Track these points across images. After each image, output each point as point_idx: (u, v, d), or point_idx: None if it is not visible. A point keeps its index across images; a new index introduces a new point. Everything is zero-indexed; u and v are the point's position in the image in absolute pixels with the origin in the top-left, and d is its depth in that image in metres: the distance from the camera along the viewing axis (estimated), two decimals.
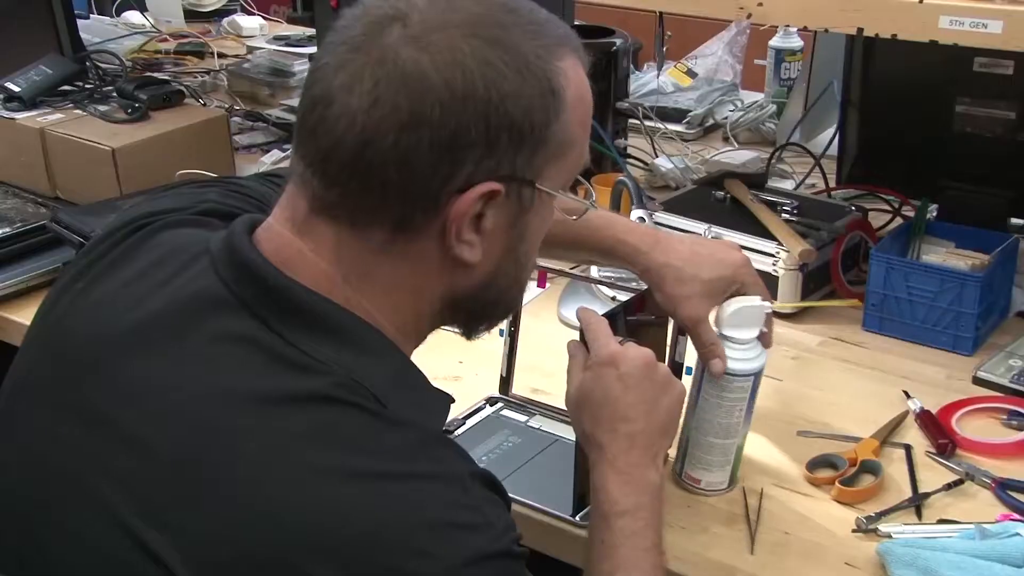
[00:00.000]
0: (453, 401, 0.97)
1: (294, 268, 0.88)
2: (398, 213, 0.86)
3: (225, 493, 0.80)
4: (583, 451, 1.15)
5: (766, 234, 1.66)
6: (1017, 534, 1.14)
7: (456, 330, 1.02)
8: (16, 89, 2.11)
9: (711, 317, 1.22)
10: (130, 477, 0.84)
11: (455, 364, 1.55)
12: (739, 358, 1.22)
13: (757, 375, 1.23)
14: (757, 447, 1.37)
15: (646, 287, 1.27)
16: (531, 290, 1.54)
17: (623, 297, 1.47)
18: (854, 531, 1.21)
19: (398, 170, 0.83)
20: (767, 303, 1.22)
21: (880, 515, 1.22)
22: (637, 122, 2.21)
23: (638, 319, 1.24)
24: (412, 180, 0.84)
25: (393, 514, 0.80)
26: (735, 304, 1.21)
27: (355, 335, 0.88)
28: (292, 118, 2.39)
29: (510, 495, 1.25)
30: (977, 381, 1.49)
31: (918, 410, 1.41)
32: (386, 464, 0.82)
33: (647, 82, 2.57)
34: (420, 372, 0.94)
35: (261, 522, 0.79)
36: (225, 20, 3.07)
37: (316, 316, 0.87)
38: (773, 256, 1.64)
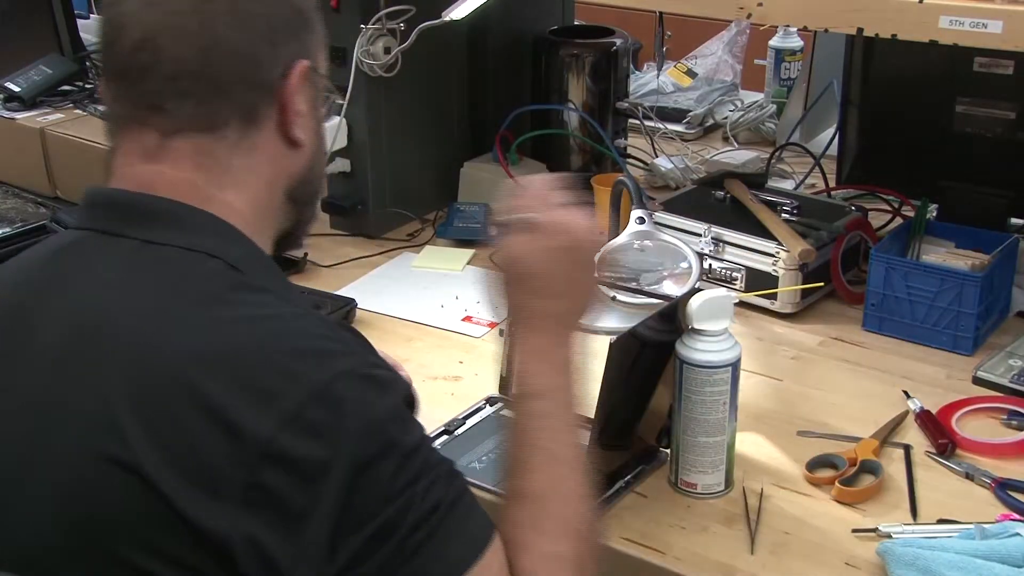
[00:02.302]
0: (316, 307, 1.00)
1: (152, 186, 0.96)
2: (245, 104, 0.97)
3: (115, 350, 0.88)
4: (591, 450, 1.16)
5: (766, 234, 1.66)
6: (1017, 534, 1.14)
7: (278, 245, 1.08)
8: (16, 89, 2.11)
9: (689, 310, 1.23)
10: (55, 394, 0.89)
11: (455, 364, 1.56)
12: (714, 350, 1.22)
13: (735, 366, 1.24)
14: (757, 447, 1.37)
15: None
16: None
17: (623, 297, 1.47)
18: (854, 531, 1.21)
19: (240, 61, 0.95)
20: (732, 293, 1.23)
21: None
22: (637, 122, 2.21)
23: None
24: (251, 68, 0.96)
25: (273, 343, 0.88)
26: (701, 297, 1.22)
27: (215, 228, 0.96)
28: None
29: None
30: (977, 381, 1.49)
31: (918, 410, 1.41)
32: (252, 309, 0.91)
33: (647, 82, 2.58)
34: (276, 264, 1.02)
35: (146, 359, 0.87)
36: None
37: (174, 216, 0.95)
38: (773, 256, 1.64)
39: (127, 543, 0.85)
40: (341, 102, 1.16)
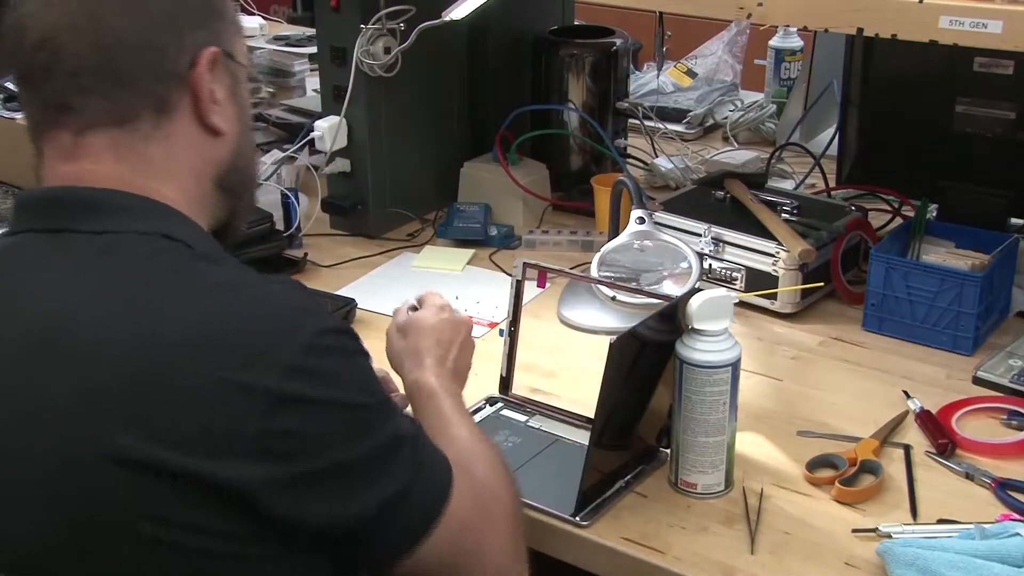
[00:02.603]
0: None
1: (81, 182, 0.98)
2: (156, 94, 0.99)
3: (90, 344, 0.89)
4: (591, 450, 1.20)
5: (766, 234, 1.66)
6: (1017, 534, 1.14)
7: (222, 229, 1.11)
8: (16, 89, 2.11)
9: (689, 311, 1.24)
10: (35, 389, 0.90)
11: None
12: (713, 350, 1.22)
13: (734, 366, 1.24)
14: (757, 447, 1.37)
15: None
16: (531, 290, 1.54)
17: (623, 297, 1.47)
18: (854, 531, 1.21)
19: (140, 52, 0.97)
20: (732, 293, 1.24)
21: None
22: (637, 122, 2.21)
23: None
24: (154, 58, 0.98)
25: (252, 308, 0.93)
26: (701, 297, 1.22)
27: (152, 209, 0.99)
28: (293, 118, 2.39)
29: None
30: (977, 381, 1.49)
31: (918, 410, 1.41)
32: (226, 278, 0.95)
33: (647, 82, 2.58)
34: (217, 244, 1.06)
35: (140, 348, 0.88)
36: None
37: (112, 204, 0.97)
38: (773, 256, 1.64)
39: (134, 523, 0.87)
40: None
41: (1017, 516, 1.22)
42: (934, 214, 1.76)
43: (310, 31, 2.85)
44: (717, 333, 1.22)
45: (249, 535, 0.89)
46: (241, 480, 0.87)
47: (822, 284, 1.65)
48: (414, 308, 1.32)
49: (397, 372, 1.27)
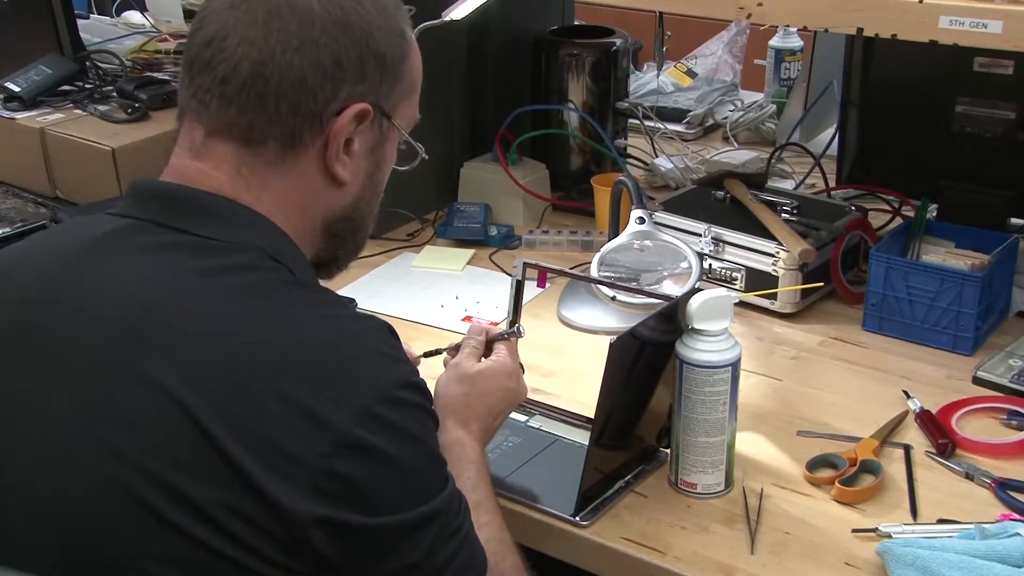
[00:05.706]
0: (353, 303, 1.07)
1: (197, 183, 1.00)
2: (288, 128, 0.99)
3: (197, 338, 0.90)
4: (591, 450, 1.21)
5: (766, 234, 1.66)
6: (1017, 534, 1.14)
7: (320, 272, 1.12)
8: (16, 89, 2.11)
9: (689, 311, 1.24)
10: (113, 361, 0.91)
11: None
12: (713, 350, 1.23)
13: (734, 366, 1.24)
14: (757, 447, 1.37)
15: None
16: (531, 290, 1.54)
17: (623, 297, 1.47)
18: (854, 531, 1.21)
19: (291, 85, 0.98)
20: (732, 293, 1.24)
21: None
22: (637, 122, 2.21)
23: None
24: (301, 95, 0.98)
25: (342, 341, 0.94)
26: (701, 297, 1.22)
27: (262, 227, 1.00)
28: None
29: (510, 495, 1.27)
30: (977, 381, 1.49)
31: (918, 410, 1.41)
32: (320, 309, 0.97)
33: (647, 82, 2.58)
34: (315, 275, 1.08)
35: (228, 348, 0.90)
36: None
37: (225, 213, 0.99)
38: (773, 256, 1.64)
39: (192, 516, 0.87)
40: (424, 156, 1.17)
41: (1017, 516, 1.22)
42: (934, 214, 1.76)
43: None
44: (717, 333, 1.22)
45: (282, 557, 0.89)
46: (291, 508, 0.87)
47: (822, 284, 1.65)
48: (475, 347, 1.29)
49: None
